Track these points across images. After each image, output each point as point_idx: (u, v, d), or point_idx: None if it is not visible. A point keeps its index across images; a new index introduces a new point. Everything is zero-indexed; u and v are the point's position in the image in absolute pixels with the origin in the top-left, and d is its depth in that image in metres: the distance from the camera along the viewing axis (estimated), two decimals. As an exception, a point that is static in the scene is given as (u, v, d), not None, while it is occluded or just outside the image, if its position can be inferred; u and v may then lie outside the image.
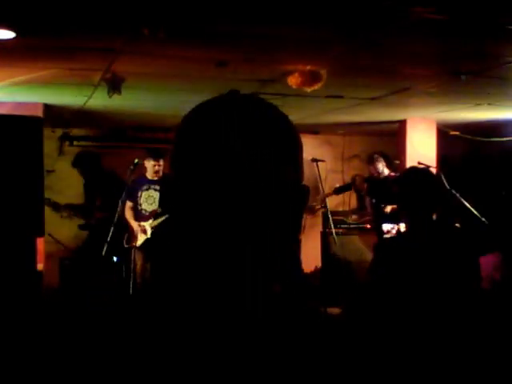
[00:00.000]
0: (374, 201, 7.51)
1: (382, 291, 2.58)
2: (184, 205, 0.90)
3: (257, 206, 0.88)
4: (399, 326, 2.38)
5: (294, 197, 0.92)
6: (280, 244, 0.91)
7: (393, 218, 7.01)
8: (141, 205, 6.69)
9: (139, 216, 6.70)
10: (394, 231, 7.17)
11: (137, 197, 6.69)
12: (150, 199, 6.66)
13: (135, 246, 6.65)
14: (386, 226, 7.26)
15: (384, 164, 7.69)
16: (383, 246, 3.00)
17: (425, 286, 2.52)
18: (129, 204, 6.76)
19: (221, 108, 0.95)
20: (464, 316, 2.46)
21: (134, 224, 6.68)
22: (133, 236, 6.73)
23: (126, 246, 6.77)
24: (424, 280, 2.53)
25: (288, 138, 0.94)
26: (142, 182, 6.73)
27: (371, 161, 7.76)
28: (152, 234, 6.59)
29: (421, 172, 2.89)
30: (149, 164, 6.68)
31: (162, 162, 6.66)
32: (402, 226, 6.69)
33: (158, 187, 6.60)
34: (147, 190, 6.68)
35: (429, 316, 2.45)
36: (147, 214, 6.66)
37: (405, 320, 2.42)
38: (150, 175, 6.70)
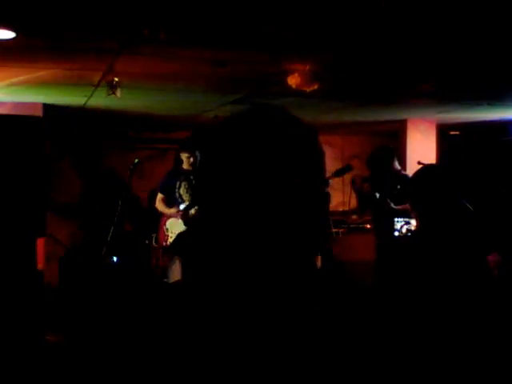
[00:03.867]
0: (377, 195, 7.40)
1: (391, 291, 2.57)
2: (215, 208, 0.97)
3: (282, 212, 0.94)
4: (410, 326, 2.38)
5: (317, 202, 0.99)
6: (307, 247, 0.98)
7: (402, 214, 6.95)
8: (181, 195, 6.75)
9: (174, 205, 6.77)
10: (404, 230, 7.14)
11: (175, 188, 6.74)
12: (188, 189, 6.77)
13: (164, 246, 6.73)
14: (397, 224, 7.21)
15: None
16: (393, 246, 2.99)
17: (438, 284, 2.51)
18: (160, 196, 6.85)
19: (255, 120, 1.01)
20: (481, 316, 2.46)
21: (171, 211, 6.72)
22: (161, 236, 6.79)
23: (154, 245, 6.84)
24: (437, 279, 2.52)
25: (312, 151, 1.03)
26: (179, 173, 6.77)
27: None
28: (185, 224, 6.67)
29: (434, 170, 2.85)
30: (183, 156, 6.70)
31: (197, 153, 6.67)
32: (413, 224, 6.67)
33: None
34: (185, 180, 6.74)
35: (443, 315, 2.45)
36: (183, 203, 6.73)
37: (416, 320, 2.42)
38: (185, 166, 6.73)
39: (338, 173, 7.93)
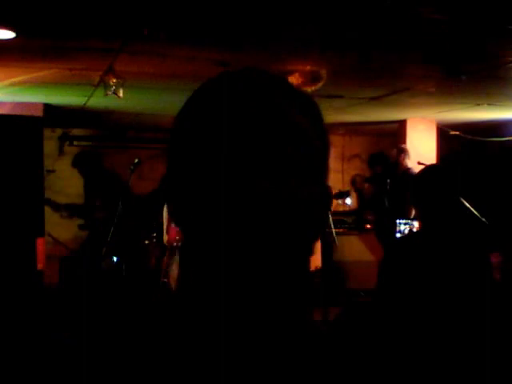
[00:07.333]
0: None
1: (394, 291, 2.57)
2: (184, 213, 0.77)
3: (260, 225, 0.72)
4: (414, 325, 2.37)
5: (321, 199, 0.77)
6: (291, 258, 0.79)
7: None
8: None
9: None
10: (406, 231, 7.14)
11: None
12: None
13: (175, 246, 6.61)
14: (401, 226, 7.21)
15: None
16: (396, 245, 2.99)
17: (440, 284, 2.51)
18: None
19: (233, 88, 0.76)
20: (483, 315, 2.46)
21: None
22: (172, 234, 6.69)
23: (166, 244, 6.73)
24: (439, 279, 2.52)
25: (319, 131, 0.76)
26: None
27: (400, 152, 7.49)
28: None
29: (437, 170, 2.85)
30: None
31: None
32: (415, 225, 6.67)
33: None
34: None
35: (445, 315, 2.45)
36: None
37: (421, 319, 2.42)
38: None
39: (338, 196, 7.89)
